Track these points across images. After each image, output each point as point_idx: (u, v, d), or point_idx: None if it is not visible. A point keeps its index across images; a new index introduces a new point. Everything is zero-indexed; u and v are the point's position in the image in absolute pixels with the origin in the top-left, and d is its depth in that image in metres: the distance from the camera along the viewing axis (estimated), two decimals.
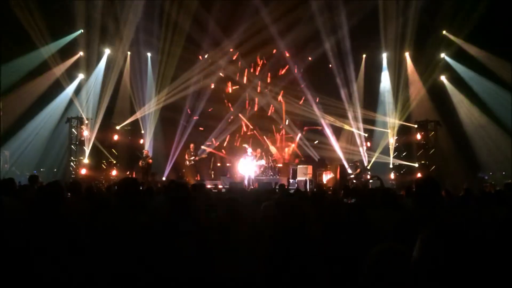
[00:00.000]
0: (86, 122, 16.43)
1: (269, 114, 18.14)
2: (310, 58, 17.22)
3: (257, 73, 18.15)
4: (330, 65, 16.88)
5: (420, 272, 1.24)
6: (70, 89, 16.37)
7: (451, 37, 15.78)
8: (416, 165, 16.52)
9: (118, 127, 17.29)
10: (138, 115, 17.35)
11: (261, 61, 18.06)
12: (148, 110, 17.60)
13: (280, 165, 17.42)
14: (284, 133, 18.28)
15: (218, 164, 18.31)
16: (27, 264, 2.95)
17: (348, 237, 2.39)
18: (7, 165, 14.47)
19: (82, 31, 15.94)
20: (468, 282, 1.21)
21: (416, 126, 16.73)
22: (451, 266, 1.21)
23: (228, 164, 18.05)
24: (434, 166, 16.20)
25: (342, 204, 4.78)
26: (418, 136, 16.69)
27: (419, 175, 15.88)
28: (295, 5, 15.69)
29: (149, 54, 17.91)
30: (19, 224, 3.32)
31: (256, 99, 18.09)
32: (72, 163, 16.08)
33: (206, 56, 17.72)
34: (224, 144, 18.27)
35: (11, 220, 3.57)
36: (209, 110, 17.79)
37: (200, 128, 17.97)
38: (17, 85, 14.58)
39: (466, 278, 1.21)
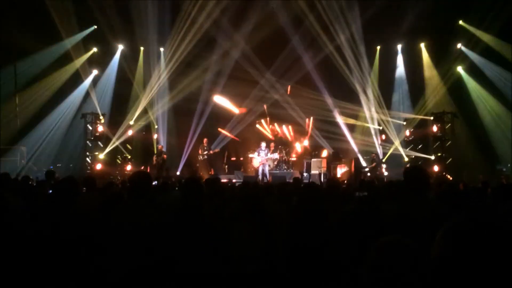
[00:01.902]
0: (101, 117, 16.57)
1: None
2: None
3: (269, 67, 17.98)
4: (344, 57, 16.65)
5: (440, 270, 1.19)
6: (85, 84, 16.56)
7: (468, 27, 15.46)
8: (433, 157, 16.29)
9: (132, 122, 17.37)
10: (151, 110, 17.47)
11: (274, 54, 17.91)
12: (162, 105, 17.68)
13: (294, 158, 17.34)
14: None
15: (232, 158, 18.30)
16: (42, 257, 2.98)
17: (359, 230, 2.36)
18: (24, 160, 14.68)
19: (96, 27, 16.08)
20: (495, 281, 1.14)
21: (432, 118, 16.47)
22: (478, 264, 1.14)
23: (241, 158, 18.06)
24: (451, 159, 15.97)
25: (353, 197, 4.73)
26: (435, 128, 16.43)
27: (435, 168, 15.71)
28: None
29: (162, 49, 17.93)
30: (30, 218, 3.35)
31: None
32: (87, 159, 16.26)
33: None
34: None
35: (23, 215, 3.61)
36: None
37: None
38: (33, 82, 14.78)
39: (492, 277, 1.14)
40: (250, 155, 16.16)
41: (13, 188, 6.01)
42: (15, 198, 4.59)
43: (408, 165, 15.15)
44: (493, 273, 1.12)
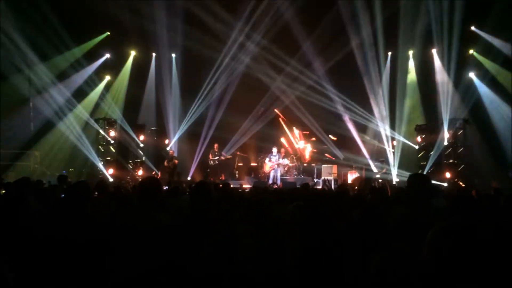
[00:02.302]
0: (113, 123, 16.74)
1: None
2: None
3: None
4: (355, 63, 16.62)
5: (427, 272, 1.20)
6: (98, 90, 16.76)
7: (480, 32, 15.36)
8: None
9: (144, 128, 17.51)
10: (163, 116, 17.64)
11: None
12: (173, 111, 17.81)
13: (305, 164, 17.29)
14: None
15: (242, 164, 18.31)
16: (54, 260, 3.03)
17: (364, 235, 2.37)
18: (37, 165, 14.88)
19: (109, 33, 16.30)
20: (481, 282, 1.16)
21: (444, 124, 16.32)
22: (460, 265, 1.16)
23: (254, 164, 18.05)
24: (463, 165, 15.80)
25: (362, 203, 4.72)
26: (446, 135, 16.29)
27: (447, 174, 15.55)
28: (320, 4, 15.59)
29: (173, 55, 18.09)
30: (46, 221, 3.41)
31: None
32: (100, 163, 16.40)
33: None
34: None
35: (37, 218, 3.67)
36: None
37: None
38: (47, 87, 15.00)
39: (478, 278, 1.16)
40: (267, 160, 16.07)
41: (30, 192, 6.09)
42: (35, 202, 4.68)
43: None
44: (475, 275, 1.13)
